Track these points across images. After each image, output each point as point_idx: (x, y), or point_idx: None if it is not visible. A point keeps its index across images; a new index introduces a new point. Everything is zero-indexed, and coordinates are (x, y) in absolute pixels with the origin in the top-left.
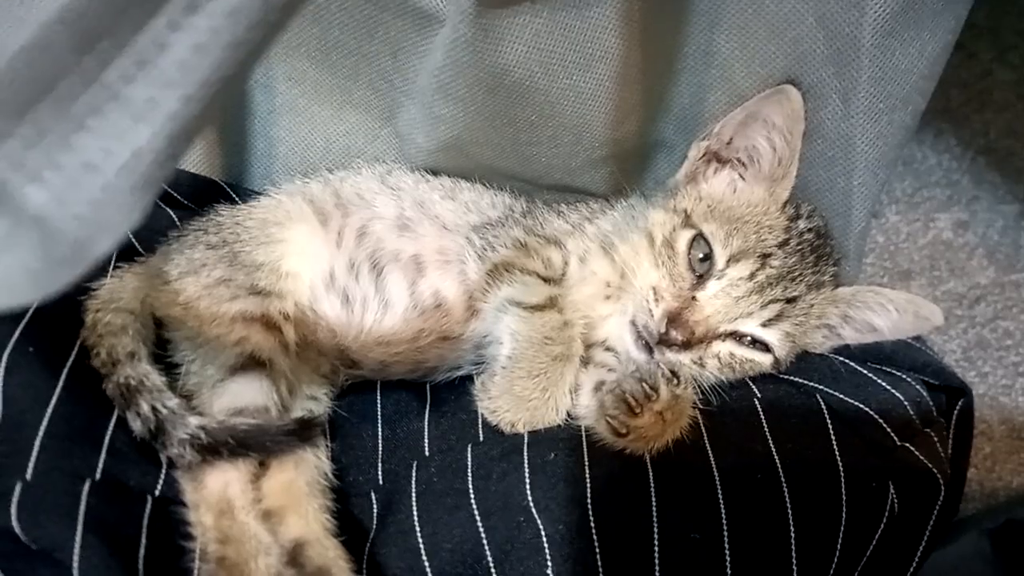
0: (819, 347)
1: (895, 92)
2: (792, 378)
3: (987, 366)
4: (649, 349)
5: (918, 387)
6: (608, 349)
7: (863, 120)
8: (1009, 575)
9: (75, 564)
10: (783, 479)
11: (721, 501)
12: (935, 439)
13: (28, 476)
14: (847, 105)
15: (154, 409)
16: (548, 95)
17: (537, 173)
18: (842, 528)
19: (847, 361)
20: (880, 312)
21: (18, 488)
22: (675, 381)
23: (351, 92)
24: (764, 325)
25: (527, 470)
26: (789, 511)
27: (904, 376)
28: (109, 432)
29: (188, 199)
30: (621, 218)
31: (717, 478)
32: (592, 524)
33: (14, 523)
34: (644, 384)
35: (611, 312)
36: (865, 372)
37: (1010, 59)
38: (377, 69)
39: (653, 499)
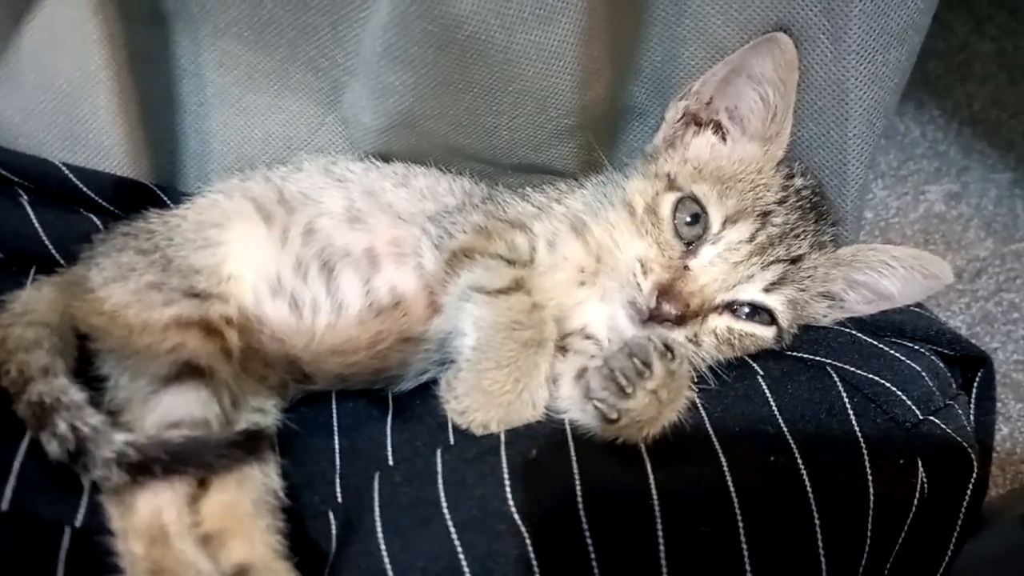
0: (824, 319)
1: (890, 28)
2: (797, 354)
3: (995, 341)
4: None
5: (935, 358)
6: (588, 337)
7: (856, 61)
8: None
9: None
10: (799, 460)
11: (732, 488)
12: (960, 413)
13: None
14: (837, 46)
15: (73, 428)
16: (507, 53)
17: (499, 151)
18: (871, 511)
19: (855, 333)
20: (886, 272)
21: None
22: (669, 355)
23: (289, 75)
24: (767, 290)
25: (506, 472)
26: (810, 495)
27: (918, 347)
28: (19, 459)
29: (112, 204)
30: (593, 196)
31: (724, 464)
32: (585, 528)
33: None
34: (635, 360)
35: (588, 297)
36: (876, 343)
37: (987, 30)
38: (316, 45)
39: (653, 493)
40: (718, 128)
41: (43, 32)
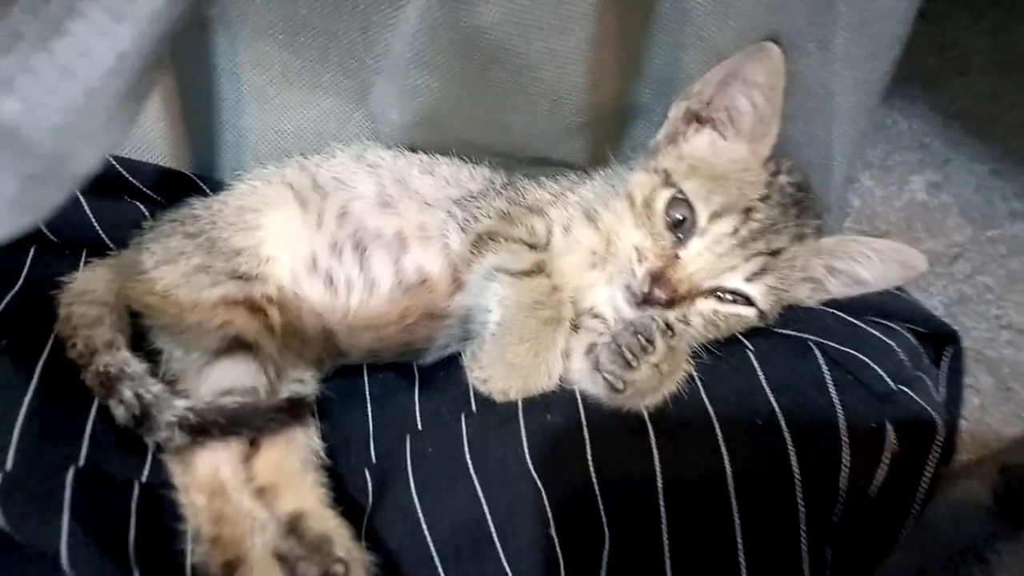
0: (808, 300)
1: (873, 37)
2: (784, 331)
3: (969, 321)
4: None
5: (908, 335)
6: (596, 316)
7: (841, 67)
8: (1005, 519)
9: (63, 552)
10: (783, 423)
11: (723, 447)
12: (929, 384)
13: (8, 466)
14: (824, 53)
15: (137, 395)
16: (525, 59)
17: (516, 145)
18: (845, 467)
19: (837, 313)
20: (864, 262)
21: None
22: (670, 333)
23: (320, 75)
24: (748, 279)
25: (524, 436)
26: (792, 452)
27: (894, 325)
28: (90, 423)
29: (156, 192)
30: (602, 186)
31: (717, 426)
32: (595, 482)
33: None
34: (639, 337)
35: (598, 280)
36: (856, 322)
37: (982, 25)
38: (346, 48)
39: (655, 451)
40: (717, 125)
41: None
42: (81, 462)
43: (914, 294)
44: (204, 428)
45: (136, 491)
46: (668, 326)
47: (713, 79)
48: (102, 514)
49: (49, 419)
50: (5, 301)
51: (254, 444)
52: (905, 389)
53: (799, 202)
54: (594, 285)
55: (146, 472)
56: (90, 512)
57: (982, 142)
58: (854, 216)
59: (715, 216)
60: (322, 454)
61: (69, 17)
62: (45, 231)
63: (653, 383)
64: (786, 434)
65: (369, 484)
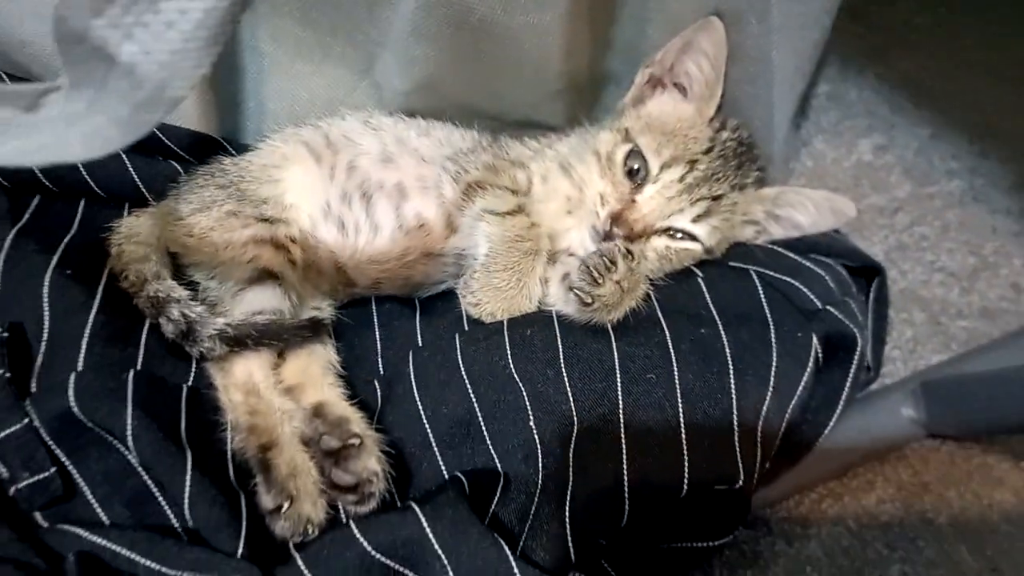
0: (752, 240)
1: (804, 11)
2: (730, 263)
3: (907, 265)
4: None
5: (839, 267)
6: (571, 255)
7: (778, 38)
8: (929, 423)
9: (128, 434)
10: (722, 330)
11: (671, 348)
12: (854, 307)
13: (79, 367)
14: (762, 25)
15: (183, 314)
16: (509, 31)
17: (502, 108)
18: (774, 367)
19: (777, 248)
20: (801, 209)
21: (72, 377)
22: (630, 256)
23: (331, 47)
24: (694, 220)
25: (508, 345)
26: (728, 353)
27: (828, 260)
28: (143, 336)
29: (189, 153)
30: (576, 142)
31: (668, 334)
32: (565, 379)
33: (72, 405)
34: (604, 259)
35: (572, 224)
36: (793, 256)
37: (928, 3)
38: (354, 23)
39: (615, 353)
40: (674, 89)
41: None
42: (138, 366)
43: (858, 242)
44: (239, 340)
45: (184, 392)
46: (628, 251)
47: (673, 48)
48: (158, 407)
49: (111, 333)
50: (64, 242)
51: (281, 356)
52: (831, 309)
53: (740, 155)
54: (569, 229)
55: (191, 377)
56: (148, 404)
57: (923, 109)
58: (807, 176)
59: (665, 166)
60: (338, 366)
61: None
62: (93, 186)
63: (616, 298)
64: (725, 341)
65: (378, 390)
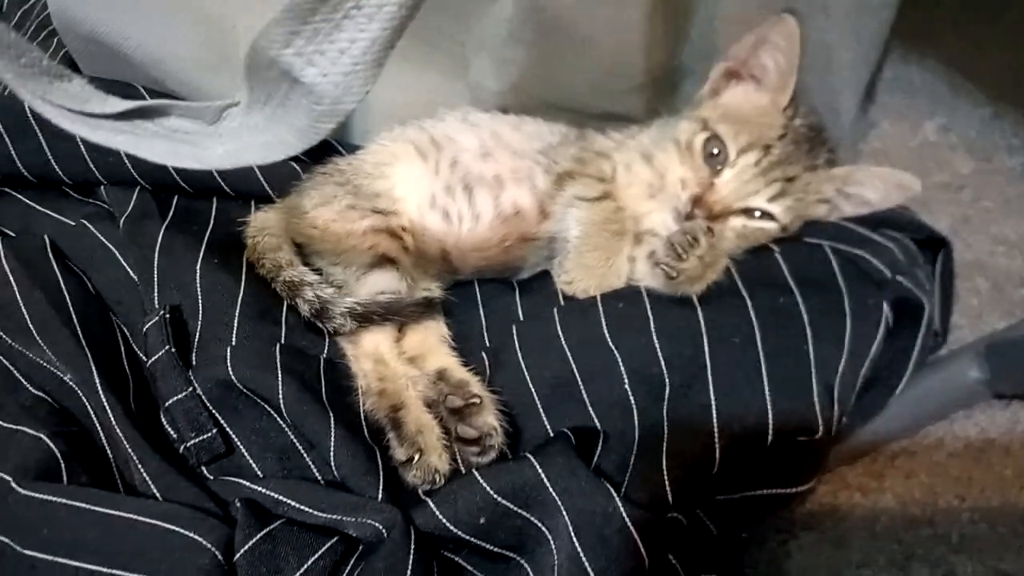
0: (824, 218)
1: (864, 2)
2: (805, 240)
3: (972, 238)
4: None
5: (906, 240)
6: (655, 235)
7: (840, 28)
8: (994, 384)
9: (280, 397)
10: (799, 298)
11: (752, 314)
12: (922, 276)
13: (233, 343)
14: (827, 18)
15: (316, 295)
16: (591, 32)
17: (586, 104)
18: (848, 330)
19: (848, 224)
20: (869, 186)
21: (228, 351)
22: (711, 233)
23: (432, 56)
24: (770, 200)
25: (602, 316)
26: (805, 319)
27: (895, 234)
28: (284, 314)
29: (304, 154)
30: (656, 132)
31: (749, 302)
32: (656, 345)
33: (230, 373)
34: (687, 236)
35: (654, 208)
36: (862, 230)
37: None
38: (450, 35)
39: (701, 320)
40: (749, 81)
41: None
42: (282, 340)
43: (924, 217)
44: (367, 316)
45: (321, 362)
46: (710, 228)
47: (747, 43)
48: (303, 374)
49: (256, 312)
50: (207, 235)
51: (401, 331)
52: (900, 279)
53: (811, 139)
54: (651, 212)
55: (325, 350)
56: (294, 372)
57: (983, 90)
58: (875, 156)
59: (742, 152)
60: (449, 340)
61: (345, 18)
62: (223, 186)
63: (699, 271)
64: (802, 308)
65: (486, 361)
